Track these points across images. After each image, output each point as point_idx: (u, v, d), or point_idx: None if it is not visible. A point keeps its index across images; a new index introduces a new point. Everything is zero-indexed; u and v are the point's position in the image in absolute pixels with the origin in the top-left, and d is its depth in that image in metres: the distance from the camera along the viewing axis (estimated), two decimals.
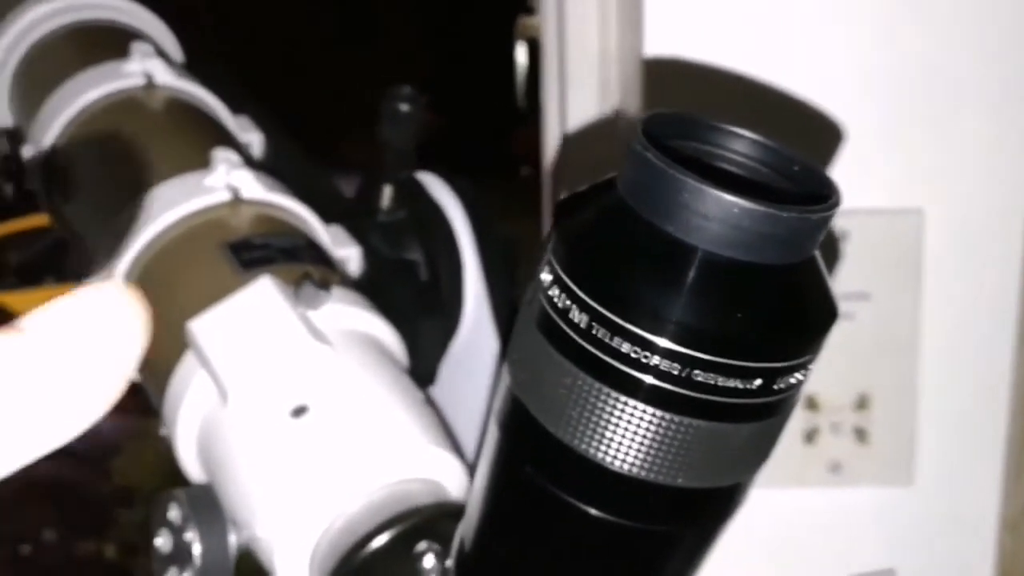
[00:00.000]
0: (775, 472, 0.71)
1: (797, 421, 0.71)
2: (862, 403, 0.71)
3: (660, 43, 0.68)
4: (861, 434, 0.71)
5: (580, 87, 0.77)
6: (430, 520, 0.40)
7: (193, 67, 0.68)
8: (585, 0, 0.76)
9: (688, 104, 0.67)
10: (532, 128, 1.00)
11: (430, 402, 0.48)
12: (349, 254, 0.56)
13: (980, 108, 0.70)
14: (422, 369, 0.56)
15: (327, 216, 0.56)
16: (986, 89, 0.70)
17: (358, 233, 0.57)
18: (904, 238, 0.70)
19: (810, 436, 0.71)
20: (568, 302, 0.27)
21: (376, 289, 0.55)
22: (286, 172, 0.61)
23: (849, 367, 0.71)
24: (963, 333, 0.73)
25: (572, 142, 0.78)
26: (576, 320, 0.27)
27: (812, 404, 0.71)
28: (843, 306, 0.69)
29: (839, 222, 0.70)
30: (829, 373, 0.71)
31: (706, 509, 0.29)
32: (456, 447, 0.45)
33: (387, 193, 0.59)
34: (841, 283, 0.70)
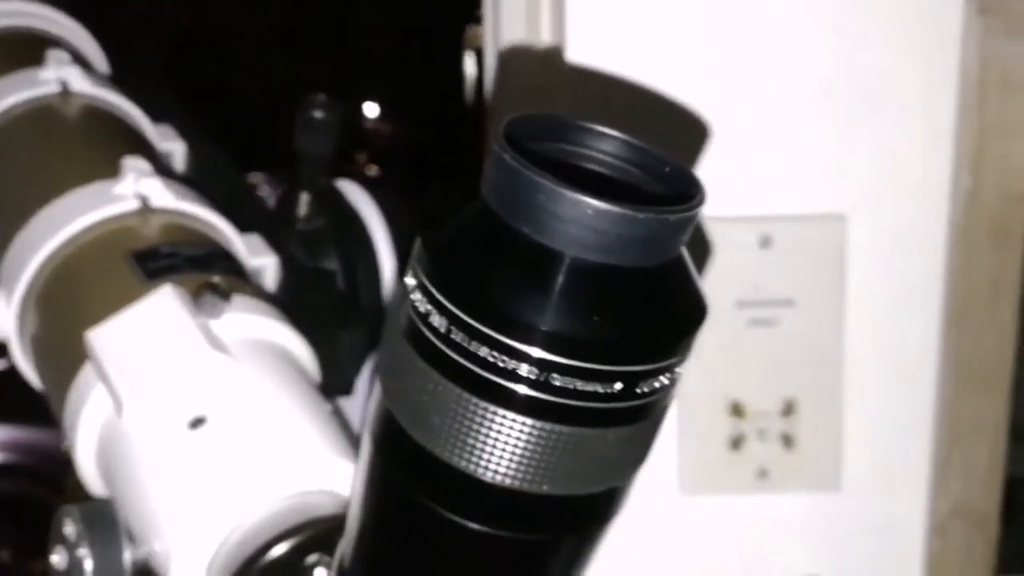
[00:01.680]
0: (702, 479, 0.72)
1: (723, 427, 0.71)
2: (788, 409, 0.71)
3: (582, 49, 0.68)
4: (788, 440, 0.71)
5: (512, 93, 0.76)
6: (327, 532, 0.39)
7: (119, 75, 0.67)
8: (515, 3, 0.76)
9: (608, 110, 0.67)
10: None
11: (338, 412, 0.47)
12: (265, 263, 0.55)
13: (901, 112, 0.71)
14: (339, 379, 0.56)
15: (249, 225, 0.56)
16: (907, 93, 0.71)
17: (278, 242, 0.57)
18: (827, 244, 0.70)
19: (736, 443, 0.71)
20: (428, 306, 0.27)
21: (293, 299, 0.55)
22: (209, 181, 0.61)
23: (774, 373, 0.71)
24: (887, 338, 0.73)
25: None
26: (436, 324, 0.26)
27: (738, 411, 0.71)
28: (767, 312, 0.70)
29: (763, 228, 0.70)
30: (755, 379, 0.71)
31: (580, 516, 0.29)
32: None
33: (304, 201, 0.58)
34: (765, 289, 0.70)
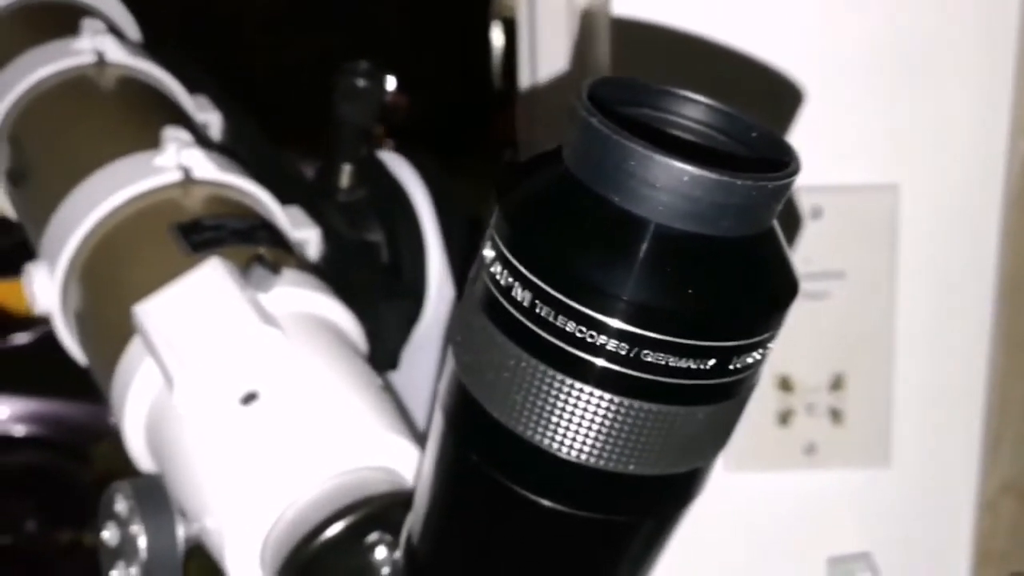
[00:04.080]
0: (750, 455, 0.71)
1: (771, 402, 0.70)
2: (837, 383, 0.70)
3: (628, 3, 0.66)
4: (836, 415, 0.70)
5: (548, 50, 0.75)
6: (383, 510, 0.38)
7: (152, 47, 0.66)
8: None
9: (656, 69, 0.66)
10: (512, 111, 0.98)
11: (388, 388, 0.46)
12: (308, 236, 0.54)
13: (955, 83, 0.69)
14: (384, 354, 0.55)
15: (288, 197, 0.55)
16: (962, 63, 0.69)
17: (318, 214, 0.56)
18: (879, 215, 0.69)
19: (784, 418, 0.70)
20: (510, 279, 0.25)
21: (336, 271, 0.54)
22: (246, 152, 0.60)
23: (823, 347, 0.69)
24: (939, 311, 0.72)
25: (539, 109, 0.76)
26: (519, 298, 0.25)
27: (786, 385, 0.70)
28: (817, 285, 0.69)
29: (813, 199, 0.69)
30: (803, 353, 0.69)
31: (662, 497, 0.28)
32: (415, 434, 0.43)
33: (346, 172, 0.57)
34: (815, 261, 0.68)
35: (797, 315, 0.76)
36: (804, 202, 0.68)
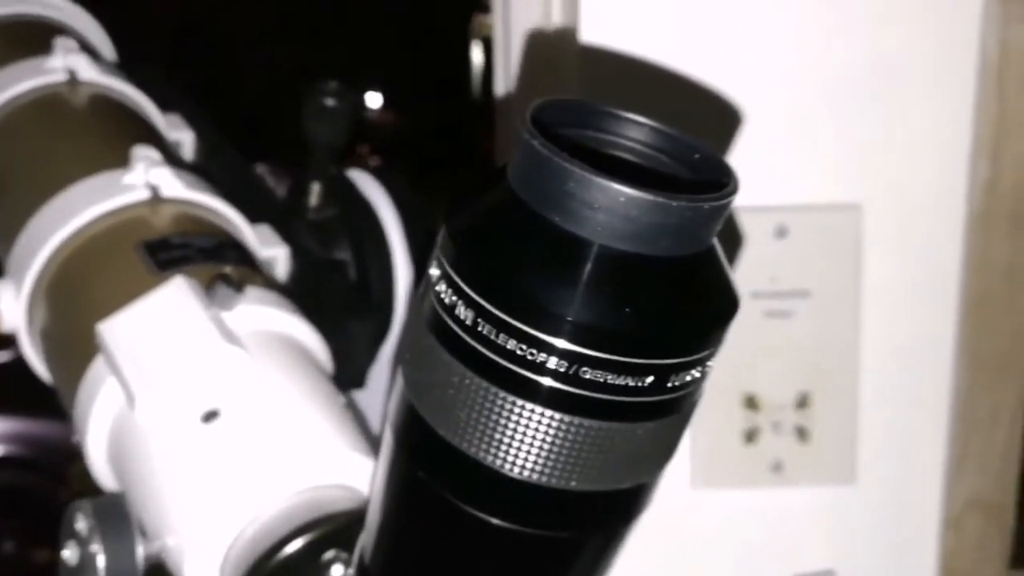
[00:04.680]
0: (717, 473, 0.71)
1: (738, 421, 0.70)
2: (803, 401, 0.71)
3: (595, 31, 0.67)
4: (802, 433, 0.71)
5: (523, 71, 0.76)
6: (342, 527, 0.38)
7: (127, 65, 0.67)
8: None
9: (622, 93, 0.67)
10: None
11: (352, 406, 0.47)
12: (276, 254, 0.54)
13: (917, 106, 0.70)
14: (352, 371, 0.55)
15: (258, 215, 0.55)
16: (924, 88, 0.70)
17: (288, 232, 0.56)
18: (843, 234, 0.70)
19: (751, 436, 0.70)
20: (454, 298, 0.26)
21: (305, 289, 0.54)
22: (217, 171, 0.60)
23: (789, 366, 0.70)
24: (903, 329, 0.72)
25: (515, 131, 0.77)
26: (462, 316, 0.26)
27: (752, 403, 0.70)
28: (782, 304, 0.69)
29: (779, 218, 0.69)
30: (769, 372, 0.70)
31: (606, 513, 0.28)
32: (378, 452, 0.43)
33: (315, 191, 0.57)
34: (781, 280, 0.69)
35: (763, 334, 0.77)
36: (770, 221, 0.69)
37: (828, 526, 0.73)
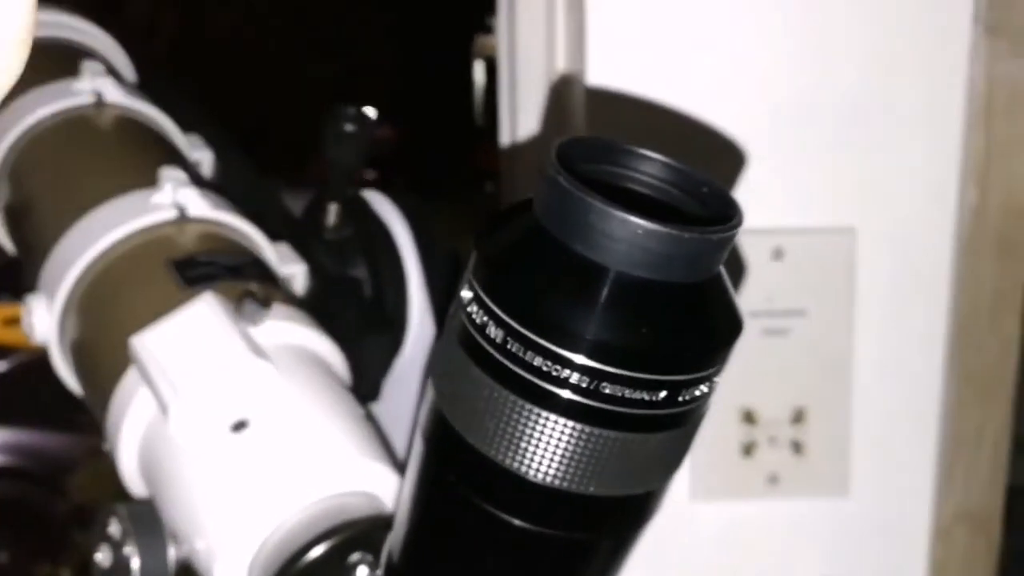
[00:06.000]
0: (714, 485, 0.73)
1: (735, 435, 0.73)
2: (798, 416, 0.73)
3: (601, 70, 0.70)
4: (797, 447, 0.73)
5: (528, 106, 0.78)
6: (365, 532, 0.41)
7: (146, 86, 0.69)
8: (534, 20, 0.78)
9: (626, 131, 0.69)
10: (493, 144, 1.01)
11: (370, 417, 0.49)
12: (295, 271, 0.56)
13: (909, 134, 0.73)
14: (366, 385, 0.57)
15: (277, 234, 0.57)
16: (915, 110, 0.73)
17: (305, 251, 0.58)
18: (837, 256, 0.72)
19: (748, 449, 0.73)
20: (485, 318, 0.28)
21: (321, 306, 0.56)
22: (236, 190, 0.62)
23: (785, 382, 0.73)
24: (895, 348, 0.75)
25: (520, 160, 0.80)
26: (492, 335, 0.28)
27: (750, 418, 0.73)
28: (779, 323, 0.72)
29: (776, 240, 0.72)
30: (766, 388, 0.73)
31: (620, 517, 0.31)
32: (395, 461, 0.46)
33: (332, 211, 0.59)
34: (778, 300, 0.72)
35: (760, 351, 0.79)
36: (767, 244, 0.71)
37: (822, 536, 0.76)
